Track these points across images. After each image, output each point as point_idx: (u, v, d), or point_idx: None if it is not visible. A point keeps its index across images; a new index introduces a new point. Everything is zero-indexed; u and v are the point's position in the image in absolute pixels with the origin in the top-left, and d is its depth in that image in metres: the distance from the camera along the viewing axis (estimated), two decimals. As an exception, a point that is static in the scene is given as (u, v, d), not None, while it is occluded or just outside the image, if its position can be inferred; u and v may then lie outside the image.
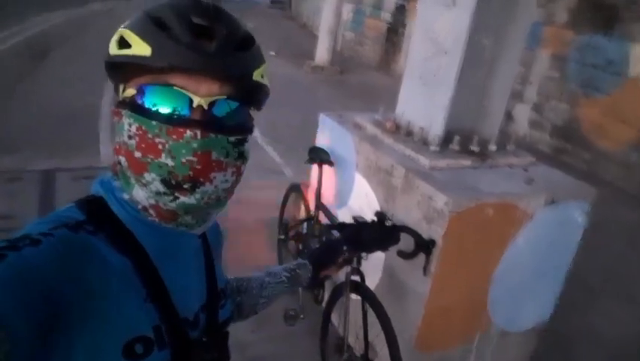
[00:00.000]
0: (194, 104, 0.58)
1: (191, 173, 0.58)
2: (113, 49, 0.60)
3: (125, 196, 0.64)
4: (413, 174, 2.05)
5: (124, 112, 0.60)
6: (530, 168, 2.32)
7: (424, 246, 1.90)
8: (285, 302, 2.13)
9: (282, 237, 2.88)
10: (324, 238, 2.44)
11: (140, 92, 0.59)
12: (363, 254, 1.84)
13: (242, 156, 0.63)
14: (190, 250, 0.72)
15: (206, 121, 0.58)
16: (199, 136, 0.57)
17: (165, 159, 0.58)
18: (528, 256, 2.13)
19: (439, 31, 2.25)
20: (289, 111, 6.45)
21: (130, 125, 0.59)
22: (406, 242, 1.85)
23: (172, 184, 0.59)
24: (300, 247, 2.78)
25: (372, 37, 11.49)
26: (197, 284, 0.75)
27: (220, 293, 0.80)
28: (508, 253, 2.06)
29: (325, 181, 2.53)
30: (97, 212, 0.62)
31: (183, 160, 0.57)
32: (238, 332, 0.97)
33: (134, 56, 0.58)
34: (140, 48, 0.57)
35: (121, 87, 0.64)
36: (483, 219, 1.94)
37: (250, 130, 0.65)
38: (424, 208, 1.97)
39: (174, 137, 0.57)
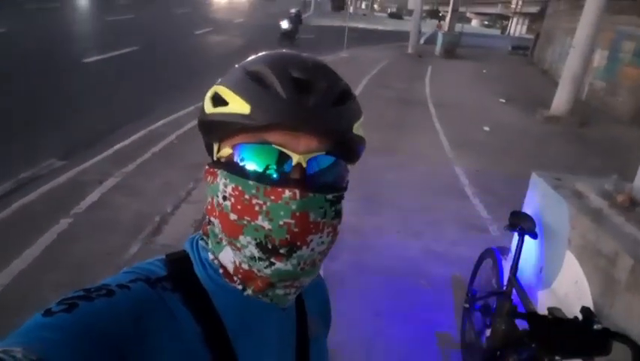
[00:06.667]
0: (293, 162, 0.54)
1: (288, 236, 0.53)
2: (208, 106, 0.58)
3: (210, 256, 0.60)
4: (646, 268, 1.56)
5: (219, 172, 0.57)
6: None
7: (645, 365, 1.41)
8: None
9: (467, 306, 2.55)
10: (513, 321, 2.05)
11: (237, 151, 0.56)
12: (557, 358, 1.48)
13: (338, 215, 0.58)
14: (272, 325, 0.63)
15: (305, 180, 0.54)
16: (298, 196, 0.53)
17: (262, 222, 0.53)
18: None
19: None
20: (506, 162, 5.91)
21: (225, 186, 0.56)
22: (620, 353, 1.41)
23: (268, 248, 0.54)
24: (487, 322, 2.41)
25: (629, 88, 9.85)
26: None
27: None
28: None
29: (525, 254, 2.14)
30: (179, 270, 0.59)
31: (281, 223, 0.53)
32: None
33: (231, 114, 0.55)
34: (238, 106, 0.54)
35: (215, 146, 0.61)
36: None
37: (346, 186, 0.60)
38: (655, 318, 1.47)
39: (272, 197, 0.53)
